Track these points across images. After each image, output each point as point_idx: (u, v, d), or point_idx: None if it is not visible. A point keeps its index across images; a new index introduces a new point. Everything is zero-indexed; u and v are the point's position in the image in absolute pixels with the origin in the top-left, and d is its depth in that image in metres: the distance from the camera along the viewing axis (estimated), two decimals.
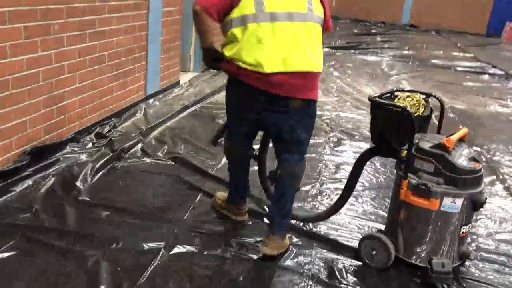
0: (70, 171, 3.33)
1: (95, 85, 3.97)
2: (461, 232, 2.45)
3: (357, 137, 4.75)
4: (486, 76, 9.00)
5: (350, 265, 2.60)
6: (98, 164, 3.44)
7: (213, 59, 2.51)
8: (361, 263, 2.62)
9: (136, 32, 4.53)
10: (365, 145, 4.49)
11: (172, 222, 2.84)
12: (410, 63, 9.54)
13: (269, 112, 2.44)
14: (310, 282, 2.43)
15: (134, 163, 3.60)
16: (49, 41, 3.31)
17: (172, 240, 2.65)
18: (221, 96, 5.67)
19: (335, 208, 2.80)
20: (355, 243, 2.75)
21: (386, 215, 3.11)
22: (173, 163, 3.66)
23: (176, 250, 2.57)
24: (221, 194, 3.06)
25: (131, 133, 4.11)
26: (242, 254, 2.60)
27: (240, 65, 2.32)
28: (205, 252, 2.58)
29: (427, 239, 2.46)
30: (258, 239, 2.73)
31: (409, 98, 2.61)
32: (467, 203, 2.39)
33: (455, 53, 11.54)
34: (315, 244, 2.76)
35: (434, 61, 10.01)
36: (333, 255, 2.67)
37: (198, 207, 3.05)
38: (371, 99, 2.50)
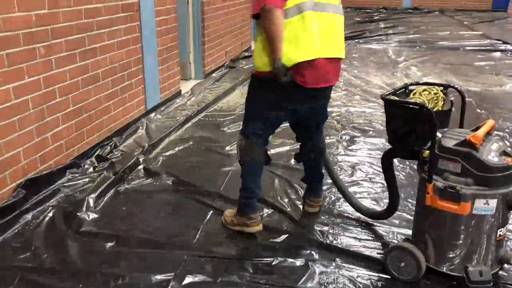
0: (70, 200, 3.15)
1: (91, 106, 3.79)
2: (498, 235, 2.21)
3: (370, 132, 4.51)
4: (498, 54, 8.68)
5: (378, 280, 2.38)
6: (99, 190, 3.26)
7: (284, 74, 2.38)
8: (389, 277, 2.39)
9: (130, 45, 4.33)
10: (380, 141, 4.26)
11: (180, 248, 2.64)
12: (417, 47, 9.26)
13: (311, 103, 2.59)
14: None
15: (137, 185, 3.41)
16: (36, 66, 3.13)
17: (181, 269, 2.45)
18: (224, 103, 5.48)
19: (392, 209, 2.65)
20: (378, 253, 2.53)
21: (410, 217, 2.90)
22: (177, 181, 3.46)
23: (187, 280, 2.37)
24: (230, 211, 2.87)
25: (133, 152, 3.91)
26: (258, 279, 2.39)
27: (296, 59, 2.35)
28: (219, 280, 2.38)
29: (460, 245, 2.23)
30: (271, 259, 2.52)
31: (426, 92, 2.37)
32: (502, 203, 2.15)
33: (462, 32, 11.21)
34: (337, 258, 2.54)
35: (441, 42, 9.70)
36: (358, 270, 2.45)
37: (207, 228, 2.85)
38: (384, 98, 2.27)
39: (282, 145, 4.14)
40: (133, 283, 2.36)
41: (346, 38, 10.12)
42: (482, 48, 9.15)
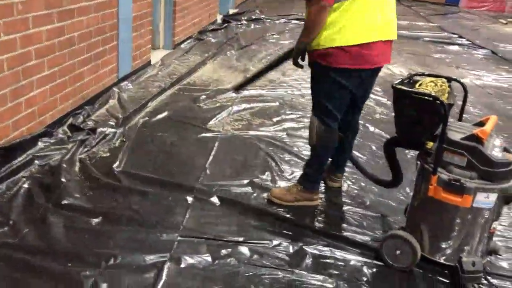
0: (46, 171, 2.96)
1: (65, 71, 3.54)
2: (491, 228, 2.30)
3: None
4: (455, 47, 8.98)
5: (372, 267, 2.41)
6: (76, 162, 3.08)
7: (301, 58, 2.62)
8: (382, 264, 2.43)
9: (106, 9, 4.07)
10: None
11: (171, 228, 2.55)
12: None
13: (368, 84, 2.73)
14: None
15: (114, 159, 3.23)
16: (13, 23, 2.86)
17: (175, 250, 2.37)
18: (197, 77, 5.32)
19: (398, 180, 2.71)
20: (371, 240, 2.57)
21: (397, 206, 2.96)
22: (156, 160, 3.32)
23: (183, 261, 2.29)
24: (280, 190, 2.91)
25: (107, 123, 3.71)
26: (255, 261, 2.35)
27: (349, 43, 2.46)
28: (216, 261, 2.32)
29: (456, 236, 2.29)
30: (266, 242, 2.49)
31: (432, 84, 2.39)
32: (500, 198, 2.22)
33: (420, 23, 11.50)
34: (331, 243, 2.54)
35: (402, 31, 9.88)
36: (351, 256, 2.47)
37: (195, 208, 2.77)
38: (395, 87, 2.27)
39: (262, 125, 4.08)
40: (126, 263, 2.25)
41: None
42: (440, 40, 9.43)
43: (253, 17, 9.46)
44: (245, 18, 9.20)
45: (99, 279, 2.12)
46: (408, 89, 2.27)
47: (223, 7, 9.23)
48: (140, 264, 2.25)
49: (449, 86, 2.44)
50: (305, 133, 3.93)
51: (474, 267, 2.26)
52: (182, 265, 2.27)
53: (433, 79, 2.42)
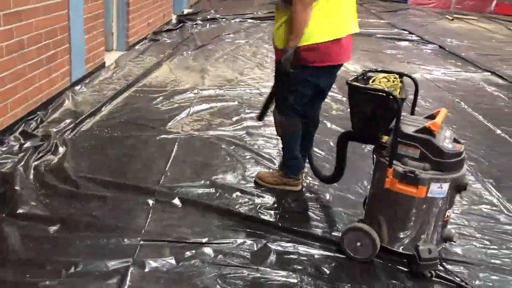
0: None
1: (16, 76, 3.42)
2: (445, 217, 2.40)
3: None
4: (406, 43, 9.27)
5: (334, 259, 2.47)
6: (31, 169, 2.99)
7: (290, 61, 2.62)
8: (344, 256, 2.49)
9: (57, 11, 3.96)
10: None
11: (133, 232, 2.51)
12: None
13: (332, 78, 2.84)
14: (300, 283, 2.26)
15: (70, 165, 3.15)
16: None
17: (138, 254, 2.34)
18: (153, 78, 5.25)
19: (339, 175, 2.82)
20: (332, 234, 2.64)
21: (355, 199, 3.04)
22: (114, 164, 3.27)
23: (147, 265, 2.27)
24: (265, 172, 3.16)
25: (60, 129, 3.61)
26: (220, 260, 2.36)
27: (321, 39, 2.57)
28: (180, 263, 2.31)
29: (412, 226, 2.38)
30: (230, 240, 2.50)
31: (385, 80, 2.47)
32: (452, 187, 2.32)
33: (372, 20, 11.80)
34: (294, 239, 2.58)
35: None
36: (314, 250, 2.52)
37: (157, 211, 2.74)
38: (350, 84, 2.33)
39: (222, 125, 4.09)
40: (87, 270, 2.20)
41: (266, 19, 10.19)
42: (391, 36, 9.71)
43: (208, 16, 9.43)
44: (200, 18, 9.16)
45: None
46: (362, 85, 2.33)
47: (177, 7, 9.15)
48: (102, 270, 2.22)
49: (401, 81, 2.52)
50: (265, 131, 3.98)
51: (430, 254, 2.36)
52: (146, 269, 2.25)
53: (385, 75, 2.50)
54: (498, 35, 11.60)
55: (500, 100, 5.79)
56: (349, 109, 2.51)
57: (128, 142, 3.59)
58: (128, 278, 2.17)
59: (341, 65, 2.81)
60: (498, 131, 4.60)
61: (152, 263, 2.28)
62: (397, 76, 2.51)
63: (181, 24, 8.38)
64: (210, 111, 4.38)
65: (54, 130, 3.55)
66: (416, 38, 9.82)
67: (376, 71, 2.61)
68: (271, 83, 5.34)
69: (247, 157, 3.52)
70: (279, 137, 3.16)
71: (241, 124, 4.13)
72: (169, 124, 3.97)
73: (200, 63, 6.04)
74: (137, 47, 6.43)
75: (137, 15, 6.39)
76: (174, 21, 8.62)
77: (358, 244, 2.45)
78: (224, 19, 9.47)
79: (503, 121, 4.90)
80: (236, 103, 4.66)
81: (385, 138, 2.36)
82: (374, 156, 2.46)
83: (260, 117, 3.26)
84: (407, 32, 10.40)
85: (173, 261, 2.31)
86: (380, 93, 2.27)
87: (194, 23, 8.67)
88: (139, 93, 4.71)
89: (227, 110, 4.43)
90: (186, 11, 9.83)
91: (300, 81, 2.71)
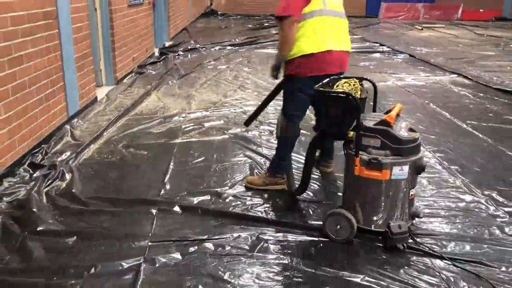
0: (15, 206, 3.18)
1: (20, 114, 3.79)
2: (410, 195, 2.78)
3: None
4: (377, 55, 9.82)
5: (319, 242, 2.82)
6: (43, 194, 3.32)
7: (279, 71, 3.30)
8: (327, 239, 2.85)
9: (51, 53, 4.36)
10: None
11: (141, 237, 2.85)
12: None
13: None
14: (294, 268, 2.60)
15: (77, 188, 3.49)
16: None
17: (149, 253, 2.68)
18: (144, 107, 5.63)
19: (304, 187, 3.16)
20: (314, 222, 2.99)
21: (334, 191, 3.42)
22: (118, 180, 3.63)
23: (158, 261, 2.60)
24: (253, 177, 3.53)
25: (65, 157, 3.97)
26: (221, 252, 2.70)
27: (309, 51, 3.06)
28: (185, 257, 2.65)
29: (383, 206, 2.75)
30: (226, 236, 2.85)
31: (346, 84, 2.88)
32: (412, 169, 2.71)
33: None
34: (284, 230, 2.94)
35: None
36: (301, 237, 2.87)
37: (160, 218, 3.08)
38: (317, 90, 2.73)
39: (213, 140, 4.46)
40: (105, 270, 2.53)
41: (244, 44, 10.71)
42: (364, 50, 10.26)
43: (189, 47, 9.92)
44: (181, 49, 9.63)
45: (84, 287, 2.40)
46: (327, 89, 2.73)
47: (158, 40, 9.62)
48: (118, 269, 2.55)
49: (361, 84, 2.94)
50: (250, 144, 4.36)
51: (400, 229, 2.72)
52: (157, 265, 2.58)
53: (346, 80, 2.92)
54: (465, 39, 12.26)
55: (465, 98, 6.27)
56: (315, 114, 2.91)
57: (126, 164, 3.94)
58: (142, 273, 2.51)
59: (332, 76, 3.09)
60: (464, 126, 5.04)
61: (162, 259, 2.62)
62: (356, 80, 2.92)
63: (164, 56, 8.83)
64: (199, 131, 4.76)
65: (59, 160, 3.89)
66: (387, 49, 10.39)
67: (339, 78, 3.02)
68: (254, 102, 5.81)
69: (236, 164, 3.89)
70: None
71: (230, 138, 4.52)
72: (163, 144, 4.34)
73: (186, 90, 6.46)
74: (125, 80, 6.83)
75: (122, 51, 6.81)
76: (156, 54, 9.07)
77: (338, 227, 2.81)
78: (204, 48, 9.96)
79: (468, 116, 5.37)
80: (222, 122, 5.05)
81: (351, 134, 2.76)
82: (344, 150, 2.85)
83: (246, 123, 3.78)
84: (378, 44, 10.97)
85: (179, 256, 2.65)
86: (342, 95, 2.67)
87: (176, 54, 9.14)
88: (132, 121, 5.08)
89: (214, 129, 4.82)
90: (167, 43, 10.31)
91: (295, 90, 3.21)
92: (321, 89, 2.75)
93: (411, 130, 2.79)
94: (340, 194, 3.29)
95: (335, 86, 2.90)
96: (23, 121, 3.84)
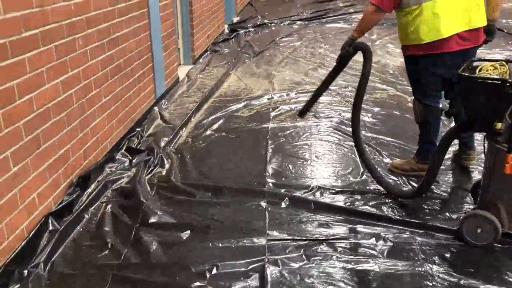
0: (120, 194, 3.08)
1: (117, 97, 3.68)
2: None
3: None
4: None
5: (453, 247, 2.54)
6: (146, 182, 3.21)
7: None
8: (461, 243, 2.56)
9: (142, 33, 4.21)
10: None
11: (257, 233, 2.67)
12: (384, 24, 9.51)
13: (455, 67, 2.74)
14: (433, 276, 2.35)
15: (178, 175, 3.35)
16: (76, 58, 2.99)
17: (269, 252, 2.49)
18: (226, 88, 5.43)
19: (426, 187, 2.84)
20: (443, 222, 2.72)
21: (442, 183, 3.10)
22: (218, 167, 3.46)
23: (281, 263, 2.41)
24: (400, 161, 3.35)
25: (160, 141, 3.84)
26: (347, 255, 2.48)
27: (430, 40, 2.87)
28: (311, 259, 2.44)
29: None
30: (349, 235, 2.63)
31: (492, 68, 2.52)
32: None
33: None
34: (411, 231, 2.68)
35: None
36: (432, 240, 2.60)
37: (271, 212, 2.89)
38: (462, 76, 2.40)
39: (311, 124, 4.21)
40: (228, 271, 2.37)
41: (314, 19, 10.28)
42: None
43: (258, 22, 9.60)
44: (250, 25, 9.34)
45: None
46: (477, 75, 2.40)
47: (227, 17, 9.38)
48: (241, 270, 2.38)
49: (509, 69, 2.57)
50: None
51: None
52: (281, 266, 2.39)
53: (492, 63, 2.56)
54: None
55: None
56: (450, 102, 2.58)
57: (224, 149, 3.77)
58: (268, 276, 2.32)
59: (463, 52, 2.85)
60: None
61: (285, 261, 2.43)
62: (503, 63, 2.55)
63: (235, 33, 8.58)
64: (289, 114, 4.51)
65: (155, 144, 3.77)
66: None
67: (480, 60, 2.67)
68: (341, 80, 5.46)
69: (342, 151, 3.63)
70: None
71: (331, 120, 4.27)
72: (254, 128, 4.13)
73: (264, 69, 6.20)
74: (201, 59, 6.66)
75: (199, 29, 6.63)
76: (226, 30, 8.84)
77: (479, 230, 2.51)
78: (273, 24, 9.62)
79: None
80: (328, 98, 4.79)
81: (499, 125, 2.41)
82: (489, 143, 2.51)
83: (301, 114, 3.45)
84: None
85: (303, 258, 2.45)
86: (495, 81, 2.33)
87: (246, 30, 8.86)
88: (218, 103, 4.90)
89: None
90: (235, 19, 10.05)
91: (422, 70, 3.01)
92: (466, 74, 2.42)
93: None
94: (466, 192, 2.98)
95: (477, 71, 2.55)
96: (119, 104, 3.73)
